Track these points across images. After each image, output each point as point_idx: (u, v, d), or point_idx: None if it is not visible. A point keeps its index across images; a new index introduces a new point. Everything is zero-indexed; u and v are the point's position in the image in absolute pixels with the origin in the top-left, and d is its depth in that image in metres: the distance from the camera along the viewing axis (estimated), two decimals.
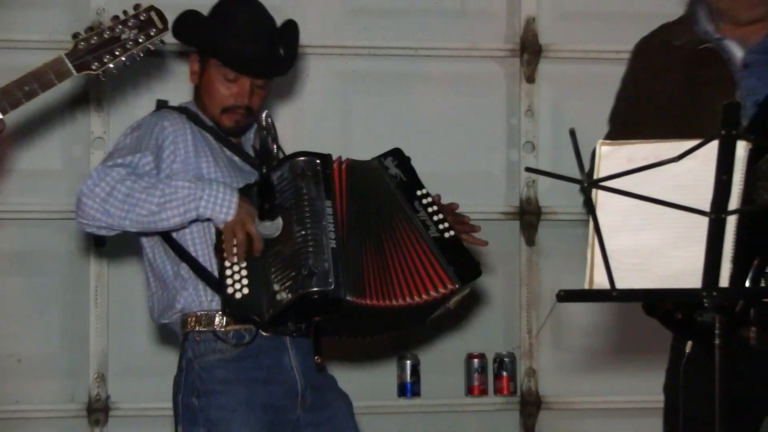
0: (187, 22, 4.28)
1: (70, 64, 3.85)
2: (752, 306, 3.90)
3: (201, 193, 3.98)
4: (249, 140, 4.34)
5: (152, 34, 3.95)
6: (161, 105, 4.38)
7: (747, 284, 3.50)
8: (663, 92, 4.29)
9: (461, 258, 4.21)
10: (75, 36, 3.88)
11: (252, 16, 4.30)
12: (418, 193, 4.29)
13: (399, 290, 4.12)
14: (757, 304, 3.90)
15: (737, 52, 4.19)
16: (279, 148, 4.21)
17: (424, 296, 4.13)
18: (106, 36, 3.89)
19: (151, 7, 3.96)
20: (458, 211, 4.40)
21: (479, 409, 5.93)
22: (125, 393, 5.68)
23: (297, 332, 4.13)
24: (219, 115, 4.27)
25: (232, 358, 4.11)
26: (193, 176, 4.13)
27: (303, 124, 5.57)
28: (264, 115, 4.10)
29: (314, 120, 5.73)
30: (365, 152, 4.38)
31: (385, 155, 4.36)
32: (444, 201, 4.36)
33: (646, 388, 5.54)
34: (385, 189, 4.29)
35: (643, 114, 4.34)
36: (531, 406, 5.92)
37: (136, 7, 3.95)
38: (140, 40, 3.92)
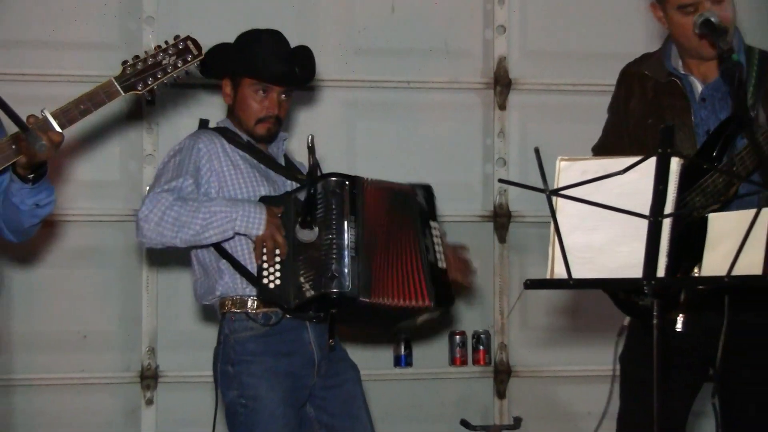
0: (216, 56, 4.29)
1: (118, 86, 3.83)
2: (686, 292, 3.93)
3: (235, 214, 4.04)
4: (278, 149, 4.41)
5: (189, 59, 3.94)
6: (203, 124, 4.40)
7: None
8: (634, 111, 4.28)
9: (443, 285, 4.26)
10: (124, 63, 3.88)
11: (275, 39, 4.34)
12: (431, 224, 4.33)
13: (391, 291, 4.15)
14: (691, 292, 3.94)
15: (697, 87, 4.15)
16: (318, 166, 4.22)
17: (406, 301, 4.17)
18: (149, 62, 3.88)
19: (188, 37, 3.96)
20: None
21: (460, 377, 5.92)
22: (171, 363, 5.67)
23: (316, 319, 4.19)
24: (254, 125, 4.28)
25: (260, 334, 4.15)
26: (229, 190, 4.19)
27: (316, 144, 5.57)
28: (310, 139, 4.14)
29: (325, 140, 5.68)
30: (367, 167, 4.41)
31: (420, 186, 4.39)
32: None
33: (595, 359, 5.55)
34: (411, 210, 4.30)
35: (619, 126, 4.34)
36: (503, 374, 5.91)
37: (176, 37, 3.95)
38: (179, 65, 3.91)
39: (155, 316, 5.67)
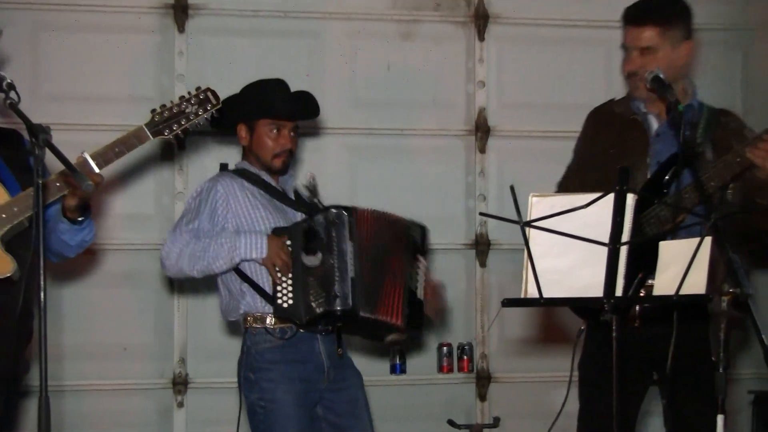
0: (229, 106, 4.27)
1: (148, 132, 3.88)
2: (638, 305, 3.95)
3: (239, 244, 4.11)
4: (287, 185, 4.43)
5: (208, 108, 3.98)
6: (223, 168, 4.44)
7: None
8: (601, 144, 4.30)
9: (416, 312, 4.28)
10: (152, 111, 3.91)
11: (280, 85, 4.39)
12: (419, 258, 4.36)
13: (377, 306, 4.19)
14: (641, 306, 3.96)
15: (654, 124, 4.19)
16: (319, 200, 4.26)
17: (383, 316, 4.20)
18: (174, 110, 3.92)
19: (208, 89, 4.00)
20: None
21: (447, 382, 5.91)
22: (199, 371, 5.65)
23: (325, 332, 4.22)
24: (271, 160, 4.32)
25: (277, 346, 4.19)
26: (245, 223, 4.22)
27: (324, 182, 5.52)
28: (309, 177, 4.20)
29: (331, 179, 5.71)
30: (367, 202, 4.39)
31: (417, 224, 4.41)
32: None
33: (563, 366, 5.51)
34: (404, 241, 4.33)
35: (587, 160, 4.36)
36: (483, 379, 5.90)
37: (197, 88, 3.99)
38: (200, 113, 3.96)
39: (185, 330, 5.65)
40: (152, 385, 5.66)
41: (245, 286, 4.22)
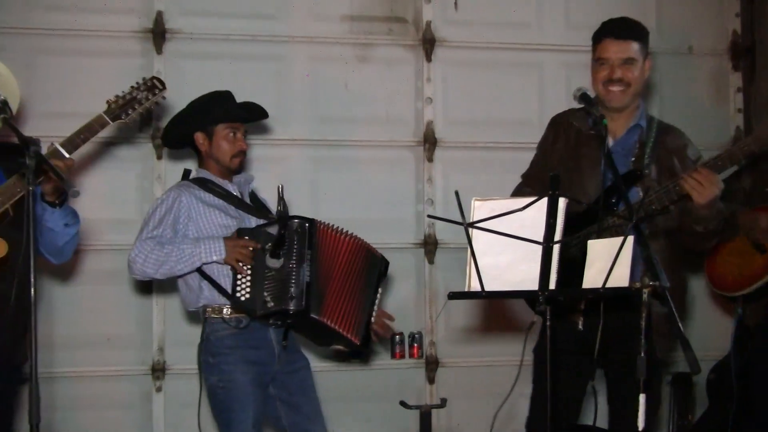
0: (186, 121, 4.37)
1: (107, 118, 3.98)
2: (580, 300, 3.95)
3: (198, 250, 4.15)
4: (245, 189, 4.48)
5: (156, 92, 4.15)
6: (185, 174, 4.49)
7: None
8: (557, 151, 4.30)
9: (368, 334, 4.36)
10: (108, 101, 4.03)
11: (229, 95, 4.47)
12: (379, 287, 4.42)
13: (337, 317, 4.23)
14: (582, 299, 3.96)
15: (609, 142, 4.11)
16: (285, 208, 4.26)
17: (343, 330, 4.24)
18: (127, 98, 4.07)
19: (153, 77, 4.17)
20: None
21: (400, 367, 5.89)
22: (176, 359, 5.60)
23: (275, 326, 4.26)
24: (230, 160, 4.37)
25: (234, 333, 4.23)
26: (204, 230, 4.25)
27: (290, 188, 5.49)
28: (280, 188, 4.20)
29: (297, 186, 5.69)
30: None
31: (385, 261, 4.47)
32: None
33: (501, 351, 5.56)
34: (373, 269, 4.40)
35: (544, 161, 4.37)
36: (432, 364, 5.89)
37: (144, 78, 4.15)
38: (149, 98, 4.13)
39: (163, 322, 5.61)
40: (134, 371, 5.60)
41: (204, 283, 4.24)
